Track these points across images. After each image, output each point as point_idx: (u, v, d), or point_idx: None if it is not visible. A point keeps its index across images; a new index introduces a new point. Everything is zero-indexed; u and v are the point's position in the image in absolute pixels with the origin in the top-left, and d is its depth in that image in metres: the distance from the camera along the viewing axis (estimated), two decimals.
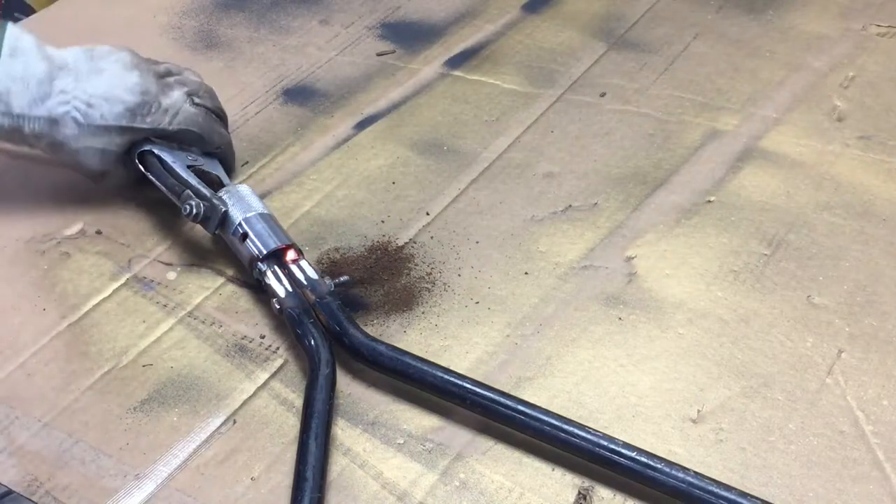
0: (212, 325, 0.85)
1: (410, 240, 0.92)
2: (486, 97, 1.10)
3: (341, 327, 0.79)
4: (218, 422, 0.77)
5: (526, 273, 0.88)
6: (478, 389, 0.74)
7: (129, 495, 0.72)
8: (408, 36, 1.21)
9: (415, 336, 0.83)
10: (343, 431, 0.75)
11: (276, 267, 0.83)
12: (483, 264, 0.89)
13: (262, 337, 0.83)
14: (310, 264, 0.84)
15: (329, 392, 0.74)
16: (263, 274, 0.83)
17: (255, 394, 0.79)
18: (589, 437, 0.70)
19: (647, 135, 1.04)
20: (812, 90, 1.09)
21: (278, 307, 0.81)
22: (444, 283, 0.87)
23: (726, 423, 0.74)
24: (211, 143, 0.95)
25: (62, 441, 0.75)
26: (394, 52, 1.19)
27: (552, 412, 0.72)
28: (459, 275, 0.88)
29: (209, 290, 0.88)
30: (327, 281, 0.82)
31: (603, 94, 1.10)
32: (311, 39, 1.22)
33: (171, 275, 0.90)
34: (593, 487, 0.71)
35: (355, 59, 1.18)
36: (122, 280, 0.89)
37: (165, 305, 0.86)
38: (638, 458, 0.68)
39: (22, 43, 0.86)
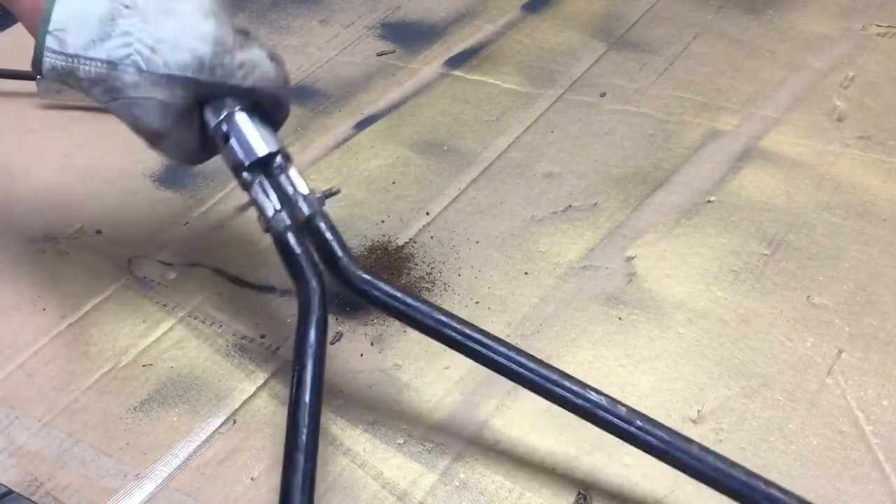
0: (212, 325, 0.85)
1: (410, 240, 0.92)
2: (486, 97, 1.10)
3: (332, 254, 0.72)
4: (218, 422, 0.77)
5: (526, 273, 0.88)
6: (472, 333, 0.70)
7: (129, 495, 0.72)
8: (408, 36, 1.21)
9: (415, 335, 0.82)
10: (343, 431, 0.75)
11: (263, 177, 0.74)
12: (483, 264, 0.89)
13: (262, 337, 0.83)
14: (299, 174, 0.76)
15: (320, 338, 0.69)
16: (249, 185, 0.74)
17: (254, 394, 0.79)
18: (575, 388, 0.68)
19: (648, 135, 1.04)
20: (812, 90, 1.09)
21: (266, 226, 0.73)
22: (444, 283, 0.87)
23: (726, 422, 0.75)
24: (286, 106, 0.83)
25: (62, 441, 0.75)
26: (394, 51, 1.19)
27: (550, 365, 0.69)
28: (459, 275, 0.88)
29: (209, 289, 0.88)
30: (317, 194, 0.75)
31: (603, 94, 1.10)
32: (311, 39, 1.22)
33: (172, 275, 0.89)
34: (593, 487, 0.71)
35: (355, 58, 1.18)
36: (122, 280, 0.89)
37: (165, 305, 0.86)
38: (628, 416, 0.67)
39: None
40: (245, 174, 0.74)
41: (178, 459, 0.74)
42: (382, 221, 0.94)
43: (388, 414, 0.77)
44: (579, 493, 0.70)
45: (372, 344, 0.82)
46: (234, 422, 0.77)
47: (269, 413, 0.77)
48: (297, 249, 0.72)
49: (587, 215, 0.94)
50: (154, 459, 0.74)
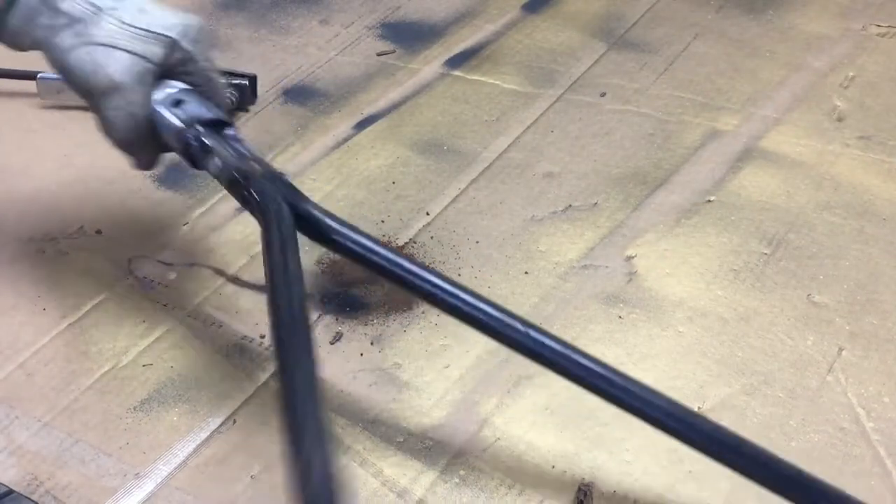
0: (212, 325, 0.85)
1: (410, 240, 0.92)
2: (486, 97, 1.10)
3: (295, 200, 0.71)
4: (218, 421, 0.76)
5: (526, 272, 0.88)
6: (436, 280, 0.68)
7: (129, 494, 0.71)
8: (408, 36, 1.22)
9: (415, 335, 0.83)
10: (343, 430, 0.75)
11: (219, 136, 0.74)
12: (483, 264, 0.89)
13: (262, 337, 0.83)
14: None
15: (296, 253, 0.66)
16: (200, 136, 0.74)
17: (254, 393, 0.79)
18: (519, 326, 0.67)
19: (648, 135, 1.04)
20: (812, 90, 1.09)
21: (220, 166, 0.73)
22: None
23: (727, 420, 0.74)
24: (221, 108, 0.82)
25: (62, 440, 0.75)
26: (394, 51, 1.19)
27: (511, 313, 0.68)
28: (459, 274, 0.88)
29: (209, 289, 0.88)
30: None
31: (603, 94, 1.10)
32: (311, 39, 1.22)
33: (171, 275, 0.89)
34: (594, 484, 0.70)
35: (355, 58, 1.18)
36: (122, 280, 0.89)
37: (165, 305, 0.86)
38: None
39: None
40: (199, 126, 0.74)
41: (178, 458, 0.74)
42: (382, 221, 0.94)
43: (387, 412, 0.77)
44: (579, 490, 0.70)
45: (372, 343, 0.82)
46: (234, 421, 0.76)
47: (269, 412, 0.77)
48: (260, 182, 0.70)
49: (587, 215, 0.94)
50: (154, 458, 0.74)
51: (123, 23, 0.74)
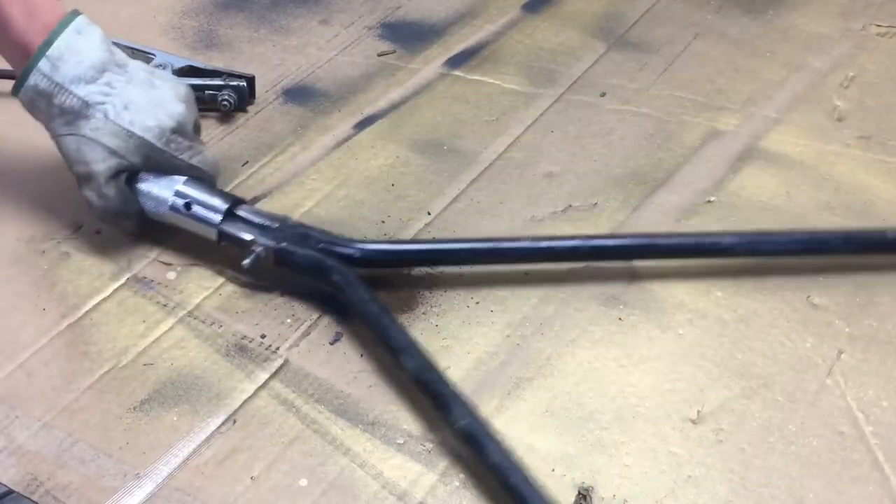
0: (212, 324, 0.85)
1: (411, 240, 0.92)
2: (486, 97, 1.10)
3: (335, 245, 0.84)
4: (218, 421, 0.77)
5: (526, 273, 0.88)
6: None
7: (129, 494, 0.72)
8: (408, 36, 1.21)
9: (416, 336, 0.82)
10: (343, 431, 0.75)
11: (234, 220, 0.87)
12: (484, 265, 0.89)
13: (263, 337, 0.83)
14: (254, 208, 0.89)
15: (369, 288, 0.81)
16: (228, 226, 0.86)
17: (255, 394, 0.79)
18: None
19: (648, 135, 1.04)
20: (812, 90, 1.09)
21: (261, 251, 0.84)
22: (445, 284, 0.87)
23: (726, 423, 0.75)
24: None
25: (62, 440, 0.75)
26: (394, 52, 1.19)
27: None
28: (460, 275, 0.88)
29: (209, 289, 0.88)
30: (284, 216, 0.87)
31: (603, 94, 1.10)
32: (311, 39, 1.21)
33: (171, 275, 0.89)
34: (593, 487, 0.71)
35: (355, 59, 1.18)
36: (122, 280, 0.89)
37: (165, 305, 0.86)
38: None
39: (90, 29, 0.87)
40: (222, 226, 0.86)
41: (178, 459, 0.74)
42: (383, 222, 0.94)
43: (388, 414, 0.77)
44: (579, 493, 0.70)
45: (373, 344, 0.82)
46: (235, 421, 0.77)
47: (269, 413, 0.77)
48: (307, 251, 0.82)
49: (587, 215, 0.94)
50: (154, 459, 0.74)
51: (107, 118, 0.85)
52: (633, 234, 0.89)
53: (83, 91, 0.85)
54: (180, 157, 0.88)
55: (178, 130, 0.88)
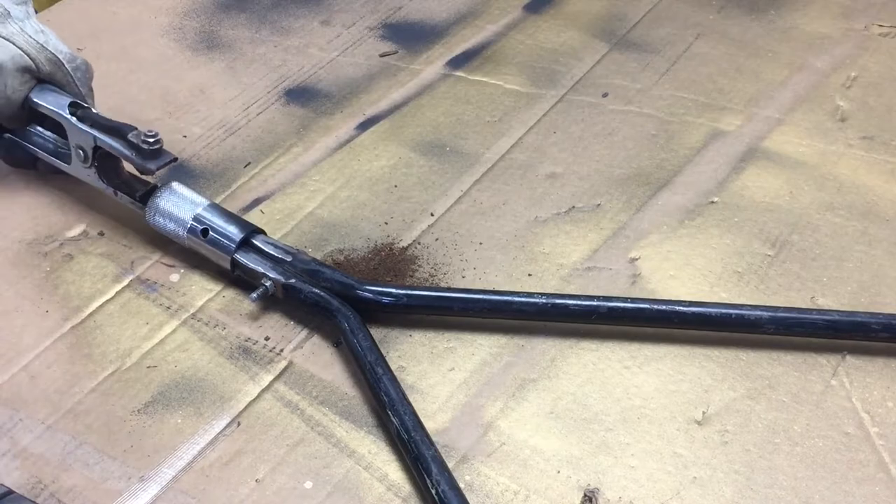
0: (215, 327, 0.84)
1: (414, 241, 0.92)
2: (489, 98, 1.10)
3: (344, 284, 0.83)
4: (222, 424, 0.76)
5: (529, 275, 0.88)
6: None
7: (134, 497, 0.71)
8: (409, 36, 1.21)
9: (419, 338, 0.83)
10: (348, 433, 0.75)
11: (248, 250, 0.86)
12: (487, 266, 0.89)
13: (266, 339, 0.83)
14: (269, 238, 0.88)
15: (368, 335, 0.79)
16: (240, 264, 0.85)
17: (259, 396, 0.79)
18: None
19: (650, 135, 1.04)
20: (814, 90, 1.09)
21: (270, 285, 0.83)
22: (449, 286, 0.87)
23: (731, 424, 0.74)
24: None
25: (66, 443, 0.75)
26: (396, 52, 1.18)
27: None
28: (464, 276, 0.88)
29: (212, 292, 0.88)
30: (296, 249, 0.87)
31: (605, 95, 1.10)
32: (313, 40, 1.21)
33: (175, 277, 0.89)
34: (599, 489, 0.70)
35: (357, 59, 1.18)
36: (125, 282, 0.89)
37: (169, 307, 0.86)
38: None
39: None
40: (237, 255, 0.85)
41: (183, 461, 0.74)
42: (386, 223, 0.94)
43: None
44: (584, 495, 0.70)
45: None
46: (239, 424, 0.76)
47: (274, 415, 0.77)
48: (316, 289, 0.82)
49: (590, 216, 0.94)
50: (158, 462, 0.74)
51: (24, 31, 0.92)
52: (653, 300, 0.82)
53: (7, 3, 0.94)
54: (81, 89, 0.95)
55: (84, 69, 0.96)
